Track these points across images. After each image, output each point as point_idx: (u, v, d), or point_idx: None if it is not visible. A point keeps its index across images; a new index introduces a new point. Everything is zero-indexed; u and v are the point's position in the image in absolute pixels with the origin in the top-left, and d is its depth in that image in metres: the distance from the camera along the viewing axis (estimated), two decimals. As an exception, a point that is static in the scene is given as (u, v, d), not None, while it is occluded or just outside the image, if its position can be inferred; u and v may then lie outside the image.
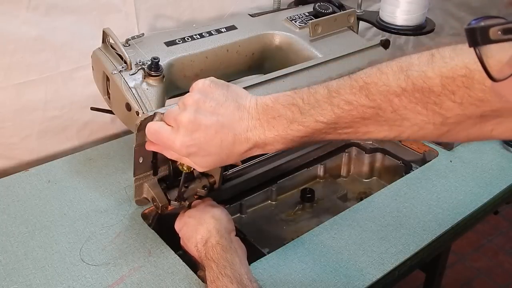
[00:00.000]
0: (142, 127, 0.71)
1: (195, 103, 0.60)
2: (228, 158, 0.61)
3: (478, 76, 0.44)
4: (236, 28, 0.91)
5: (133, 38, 0.80)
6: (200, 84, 0.62)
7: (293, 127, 0.57)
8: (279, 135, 0.58)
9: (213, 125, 0.59)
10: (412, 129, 0.53)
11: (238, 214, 0.95)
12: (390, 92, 0.51)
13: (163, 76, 0.77)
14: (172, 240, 0.78)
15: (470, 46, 0.32)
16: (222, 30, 0.89)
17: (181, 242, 0.77)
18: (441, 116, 0.50)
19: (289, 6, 1.06)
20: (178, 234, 0.78)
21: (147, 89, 0.76)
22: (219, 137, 0.59)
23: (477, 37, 0.31)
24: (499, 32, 0.30)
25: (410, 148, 1.05)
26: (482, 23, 0.31)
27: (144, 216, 0.84)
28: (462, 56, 0.45)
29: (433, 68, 0.48)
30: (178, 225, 0.78)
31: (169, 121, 0.62)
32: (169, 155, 0.65)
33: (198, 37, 0.87)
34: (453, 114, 0.49)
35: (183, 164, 0.71)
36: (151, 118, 0.71)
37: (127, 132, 1.06)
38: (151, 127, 0.64)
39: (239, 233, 0.79)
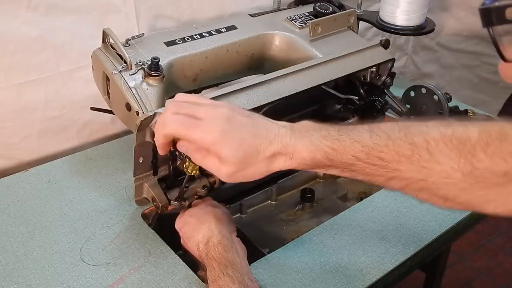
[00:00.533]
0: (142, 127, 0.71)
1: (226, 106, 0.61)
2: (252, 159, 0.60)
3: (511, 132, 0.51)
4: (236, 28, 0.91)
5: (133, 38, 0.80)
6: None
7: (327, 139, 0.59)
8: (311, 143, 0.59)
9: (247, 122, 0.59)
10: (440, 175, 0.56)
11: (238, 214, 0.95)
12: (428, 135, 0.56)
13: (163, 76, 0.77)
14: (172, 240, 0.78)
15: (484, 26, 0.32)
16: (222, 30, 0.89)
17: (182, 241, 0.77)
18: (471, 165, 0.54)
19: (289, 6, 1.06)
20: (178, 234, 0.78)
21: (147, 89, 0.76)
22: (252, 131, 0.59)
23: (492, 17, 0.31)
24: None
25: (410, 148, 1.05)
26: (497, 3, 0.31)
27: (144, 216, 0.84)
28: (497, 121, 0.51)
29: (472, 122, 0.54)
30: (179, 224, 0.78)
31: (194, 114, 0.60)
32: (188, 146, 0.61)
33: (198, 37, 0.87)
34: (482, 166, 0.53)
35: (189, 166, 0.70)
36: (151, 118, 0.71)
37: (127, 132, 1.06)
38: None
39: (239, 233, 0.79)
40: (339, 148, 0.59)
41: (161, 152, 0.64)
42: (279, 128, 0.61)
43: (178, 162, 0.80)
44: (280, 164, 0.61)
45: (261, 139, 0.59)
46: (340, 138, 0.59)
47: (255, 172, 0.61)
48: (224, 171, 0.59)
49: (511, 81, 0.36)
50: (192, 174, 0.72)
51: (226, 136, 0.58)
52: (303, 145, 0.60)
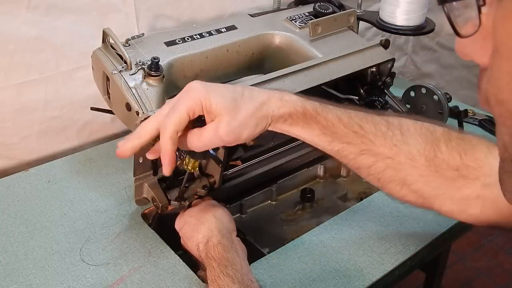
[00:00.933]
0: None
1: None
2: (239, 101, 0.61)
3: (470, 137, 0.63)
4: (236, 28, 0.91)
5: (133, 38, 0.80)
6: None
7: (315, 100, 0.65)
8: (301, 97, 0.65)
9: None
10: (407, 156, 0.64)
11: (238, 214, 0.95)
12: (402, 119, 0.66)
13: (163, 76, 0.77)
14: (172, 240, 0.78)
15: (439, 4, 0.35)
16: (222, 30, 0.89)
17: (182, 241, 0.77)
18: (433, 153, 0.63)
19: (289, 6, 1.06)
20: (178, 234, 0.78)
21: (147, 89, 0.76)
22: (232, 87, 0.63)
23: None
24: None
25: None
26: None
27: (144, 216, 0.84)
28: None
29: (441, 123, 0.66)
30: (179, 224, 0.78)
31: None
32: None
33: (198, 37, 0.86)
34: (442, 156, 0.63)
35: (189, 163, 0.70)
36: (151, 118, 0.71)
37: (127, 132, 1.04)
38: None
39: (239, 233, 0.79)
40: (326, 107, 0.65)
41: (168, 157, 0.63)
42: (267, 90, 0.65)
43: (178, 162, 0.80)
44: (271, 106, 0.63)
45: (245, 88, 0.64)
46: (327, 104, 0.65)
47: (247, 114, 0.62)
48: (222, 125, 0.60)
49: (466, 58, 0.38)
50: (192, 171, 0.72)
51: (211, 90, 0.61)
52: (293, 95, 0.65)
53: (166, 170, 0.63)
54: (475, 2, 0.33)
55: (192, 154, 0.68)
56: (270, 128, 0.65)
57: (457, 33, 0.36)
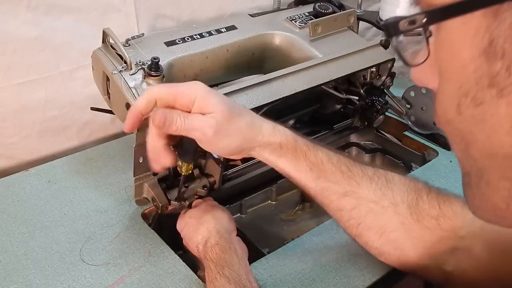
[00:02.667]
0: (142, 127, 0.71)
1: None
2: (236, 119, 0.63)
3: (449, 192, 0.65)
4: (236, 28, 0.91)
5: (133, 38, 0.80)
6: None
7: (306, 139, 0.67)
8: (295, 135, 0.67)
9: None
10: (390, 201, 0.65)
11: (238, 214, 0.95)
12: (388, 170, 0.68)
13: (163, 76, 0.77)
14: (172, 240, 0.78)
15: (387, 37, 0.39)
16: (222, 30, 0.89)
17: (184, 242, 0.77)
18: (416, 201, 0.65)
19: (289, 6, 1.06)
20: (178, 234, 0.78)
21: (147, 89, 0.75)
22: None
23: (390, 30, 0.37)
24: (406, 24, 0.36)
25: (410, 148, 1.05)
26: (392, 19, 0.36)
27: (144, 216, 0.84)
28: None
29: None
30: (180, 226, 0.78)
31: None
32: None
33: (198, 37, 0.86)
34: (423, 206, 0.64)
35: (182, 166, 0.70)
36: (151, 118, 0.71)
37: (127, 132, 1.05)
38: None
39: (239, 233, 0.79)
40: (316, 145, 0.67)
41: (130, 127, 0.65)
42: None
43: (177, 164, 0.80)
44: (262, 131, 0.65)
45: (243, 108, 0.67)
46: (316, 143, 0.68)
47: (236, 126, 0.63)
48: (212, 121, 0.61)
49: (421, 84, 0.41)
50: (186, 173, 0.72)
51: (212, 92, 0.63)
52: (286, 128, 0.67)
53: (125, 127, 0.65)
54: (423, 35, 0.36)
55: (183, 156, 0.68)
56: (254, 154, 0.66)
57: (406, 64, 0.39)
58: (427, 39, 0.36)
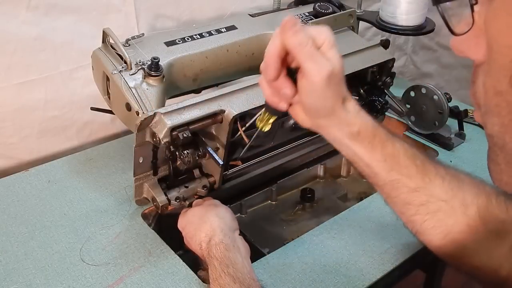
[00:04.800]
0: (142, 127, 0.71)
1: None
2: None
3: None
4: (236, 28, 0.91)
5: (133, 38, 0.80)
6: None
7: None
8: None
9: None
10: (461, 201, 0.63)
11: (238, 214, 0.95)
12: (458, 169, 0.65)
13: (163, 76, 0.77)
14: (172, 240, 0.78)
15: (433, 5, 0.37)
16: (222, 30, 0.89)
17: (184, 240, 0.77)
18: (485, 204, 0.62)
19: (289, 6, 1.06)
20: (178, 234, 0.78)
21: (147, 89, 0.75)
22: None
23: None
24: None
25: (410, 148, 1.05)
26: None
27: (144, 216, 0.84)
28: None
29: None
30: (181, 223, 0.78)
31: None
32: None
33: (198, 37, 0.86)
34: (492, 210, 0.62)
35: (263, 119, 0.63)
36: (151, 118, 0.71)
37: (127, 132, 1.06)
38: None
39: (240, 233, 0.79)
40: (393, 136, 0.64)
41: (274, 72, 0.58)
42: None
43: (178, 162, 0.80)
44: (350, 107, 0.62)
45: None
46: (395, 136, 0.64)
47: (335, 89, 0.60)
48: (326, 64, 0.57)
49: (461, 54, 0.40)
50: (263, 129, 0.64)
51: (336, 43, 0.58)
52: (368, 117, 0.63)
53: (270, 75, 0.58)
54: (468, 1, 0.35)
55: (269, 108, 0.62)
56: (326, 131, 0.62)
57: (452, 32, 0.38)
58: (471, 6, 0.35)
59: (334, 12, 0.97)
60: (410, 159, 0.63)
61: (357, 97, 0.98)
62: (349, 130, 0.61)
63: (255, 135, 0.80)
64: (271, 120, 0.63)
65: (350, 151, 0.63)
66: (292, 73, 0.59)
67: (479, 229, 0.62)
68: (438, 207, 0.63)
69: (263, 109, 0.63)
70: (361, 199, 0.95)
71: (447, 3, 0.36)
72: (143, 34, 0.82)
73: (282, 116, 0.64)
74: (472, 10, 0.35)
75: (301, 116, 0.62)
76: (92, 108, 0.89)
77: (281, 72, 0.58)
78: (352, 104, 0.62)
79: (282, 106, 0.60)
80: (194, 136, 0.74)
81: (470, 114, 1.11)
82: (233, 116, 0.75)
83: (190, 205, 0.82)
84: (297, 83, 0.59)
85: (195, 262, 0.75)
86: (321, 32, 0.58)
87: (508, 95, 0.36)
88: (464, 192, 0.63)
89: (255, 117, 0.67)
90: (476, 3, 0.35)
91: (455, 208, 0.62)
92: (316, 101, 0.59)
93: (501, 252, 0.61)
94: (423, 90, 1.02)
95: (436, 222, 0.64)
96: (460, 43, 0.39)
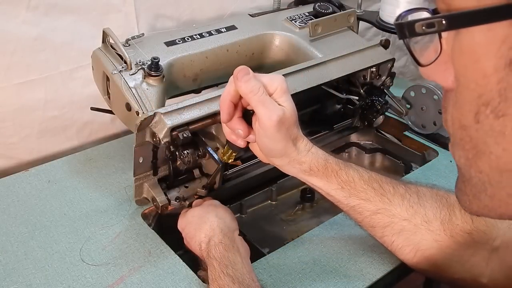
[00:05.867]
0: (142, 127, 0.71)
1: None
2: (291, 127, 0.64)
3: None
4: (236, 28, 0.91)
5: (133, 38, 0.80)
6: None
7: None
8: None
9: None
10: (423, 218, 0.64)
11: (238, 214, 0.95)
12: (418, 183, 0.69)
13: (163, 76, 0.77)
14: (172, 240, 0.78)
15: (399, 38, 0.36)
16: (222, 30, 0.89)
17: (184, 241, 0.77)
18: (449, 217, 0.64)
19: (289, 6, 1.06)
20: (178, 234, 0.78)
21: (147, 89, 0.76)
22: None
23: (404, 32, 0.35)
24: (424, 26, 0.34)
25: (410, 148, 1.05)
26: (409, 18, 0.35)
27: (144, 216, 0.84)
28: None
29: None
30: (181, 224, 0.78)
31: None
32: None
33: (198, 37, 0.87)
34: (456, 221, 0.64)
35: (227, 153, 0.71)
36: (151, 118, 0.71)
37: (127, 132, 1.06)
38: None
39: (239, 233, 0.79)
40: (348, 164, 0.67)
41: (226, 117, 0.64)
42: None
43: (178, 162, 0.80)
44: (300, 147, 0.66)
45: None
46: (348, 163, 0.68)
47: (288, 133, 0.64)
48: (279, 108, 0.62)
49: (431, 79, 0.39)
50: (227, 161, 0.73)
51: (288, 89, 0.64)
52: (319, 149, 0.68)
53: (222, 118, 0.65)
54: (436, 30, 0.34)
55: (230, 144, 0.68)
56: (284, 168, 0.67)
57: (418, 63, 0.37)
58: (439, 33, 0.35)
59: (334, 12, 0.97)
60: (366, 183, 0.65)
61: (357, 98, 0.98)
62: (300, 167, 0.66)
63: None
64: (234, 154, 0.71)
65: (308, 183, 0.68)
66: (249, 115, 0.65)
67: (446, 243, 0.62)
68: (402, 227, 0.64)
69: (226, 144, 0.70)
70: (361, 199, 0.95)
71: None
72: (143, 34, 0.82)
73: (244, 151, 0.71)
74: (440, 37, 0.35)
75: (259, 154, 0.69)
76: (92, 108, 0.89)
77: (235, 114, 0.64)
78: (303, 144, 0.66)
79: (240, 143, 0.66)
80: (194, 136, 0.74)
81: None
82: (233, 116, 0.75)
83: (190, 205, 0.82)
84: (252, 125, 0.64)
85: (195, 262, 0.75)
86: (274, 80, 0.63)
87: (472, 130, 0.35)
88: (425, 208, 0.64)
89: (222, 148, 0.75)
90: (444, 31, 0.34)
91: (418, 226, 0.63)
92: (269, 143, 0.64)
93: (476, 261, 0.61)
94: (423, 90, 1.02)
95: (403, 241, 0.65)
96: (429, 70, 0.38)
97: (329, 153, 0.68)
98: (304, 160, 0.65)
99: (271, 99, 0.62)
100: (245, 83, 0.61)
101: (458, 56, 0.34)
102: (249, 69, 0.63)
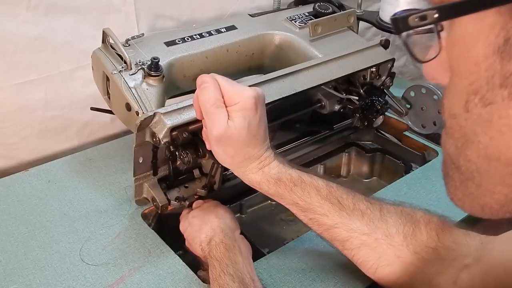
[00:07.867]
0: (142, 127, 0.71)
1: None
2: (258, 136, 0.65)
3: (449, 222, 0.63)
4: (236, 28, 0.91)
5: (133, 38, 0.80)
6: None
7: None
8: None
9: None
10: (384, 233, 0.63)
11: (238, 214, 0.95)
12: (384, 201, 0.67)
13: (163, 76, 0.77)
14: (172, 240, 0.78)
15: (396, 33, 0.37)
16: (222, 30, 0.89)
17: (186, 243, 0.77)
18: (412, 232, 0.63)
19: (289, 6, 1.06)
20: (178, 234, 0.78)
21: (147, 89, 0.76)
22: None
23: (399, 25, 0.36)
24: (416, 19, 0.34)
25: (410, 148, 1.05)
26: (402, 14, 0.35)
27: (144, 216, 0.84)
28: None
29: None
30: (183, 227, 0.78)
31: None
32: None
33: (198, 37, 0.87)
34: (420, 237, 0.62)
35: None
36: (151, 118, 0.71)
37: (127, 132, 1.06)
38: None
39: (240, 233, 0.79)
40: (305, 178, 0.66)
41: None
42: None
43: (178, 162, 0.80)
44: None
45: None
46: (310, 174, 0.68)
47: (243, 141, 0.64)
48: (241, 115, 0.63)
49: (434, 81, 0.39)
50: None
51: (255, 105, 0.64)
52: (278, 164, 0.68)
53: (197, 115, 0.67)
54: (434, 30, 0.35)
55: (212, 154, 0.69)
56: (241, 175, 0.68)
57: (417, 60, 0.38)
58: (438, 34, 0.35)
59: (334, 12, 0.97)
60: (324, 198, 0.64)
61: (357, 98, 0.98)
62: (250, 184, 0.68)
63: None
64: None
65: (268, 194, 0.69)
66: None
67: (409, 259, 0.60)
68: (362, 241, 0.63)
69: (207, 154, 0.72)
70: (361, 199, 0.95)
71: (411, 32, 0.36)
72: (143, 34, 0.82)
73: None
74: (439, 37, 0.35)
75: None
76: (92, 108, 0.89)
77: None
78: (255, 164, 0.66)
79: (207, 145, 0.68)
80: (194, 136, 0.74)
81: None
82: (233, 116, 0.75)
83: (190, 205, 0.82)
84: None
85: (195, 262, 0.75)
86: (238, 94, 0.63)
87: (461, 119, 0.35)
88: (387, 223, 0.62)
89: None
90: (442, 29, 0.35)
91: (379, 240, 0.62)
92: (214, 153, 0.67)
93: (443, 280, 0.58)
94: (423, 90, 1.02)
95: (363, 256, 0.63)
96: (431, 69, 0.38)
97: (294, 166, 0.68)
98: (252, 178, 0.66)
99: (222, 112, 0.62)
100: (201, 91, 0.63)
101: (452, 47, 0.35)
102: (220, 77, 0.64)
